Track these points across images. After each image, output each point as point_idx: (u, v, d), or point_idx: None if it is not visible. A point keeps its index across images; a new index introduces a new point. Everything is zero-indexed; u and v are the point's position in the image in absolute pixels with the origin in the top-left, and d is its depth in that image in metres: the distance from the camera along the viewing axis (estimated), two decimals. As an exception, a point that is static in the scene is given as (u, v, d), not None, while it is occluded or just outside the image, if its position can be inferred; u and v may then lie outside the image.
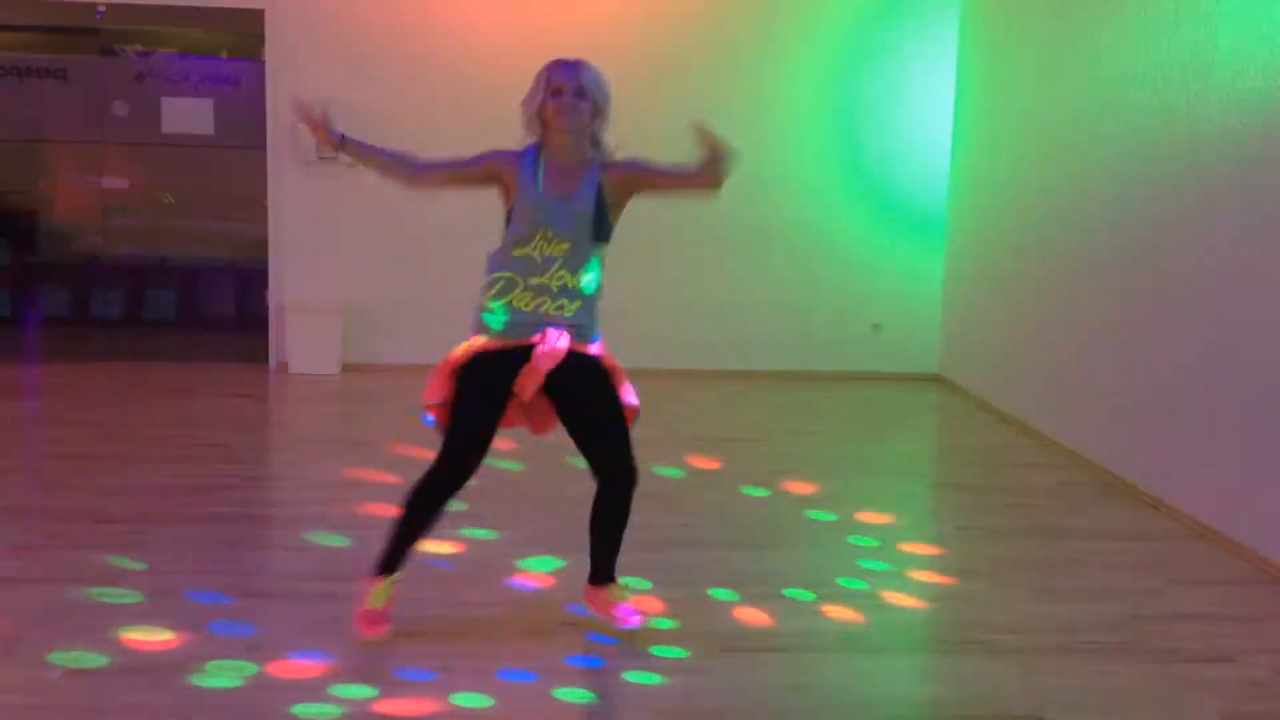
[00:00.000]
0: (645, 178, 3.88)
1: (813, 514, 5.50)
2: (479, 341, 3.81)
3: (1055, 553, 5.06)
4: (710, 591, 4.45)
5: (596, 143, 3.87)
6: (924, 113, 8.81)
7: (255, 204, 8.80)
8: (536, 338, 3.76)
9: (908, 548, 5.11)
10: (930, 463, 7.05)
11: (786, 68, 8.69)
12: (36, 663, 3.66)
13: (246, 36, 9.86)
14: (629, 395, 3.89)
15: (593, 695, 3.63)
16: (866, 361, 8.94)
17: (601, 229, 3.80)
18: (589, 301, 3.83)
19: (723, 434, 7.15)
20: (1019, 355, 7.52)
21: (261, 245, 8.76)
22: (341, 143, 3.94)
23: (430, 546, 4.88)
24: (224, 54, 10.75)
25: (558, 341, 3.74)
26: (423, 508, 3.86)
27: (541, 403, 3.90)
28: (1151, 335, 5.89)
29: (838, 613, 4.31)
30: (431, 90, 8.50)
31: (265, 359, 8.73)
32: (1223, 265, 5.30)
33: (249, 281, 10.45)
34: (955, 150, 8.77)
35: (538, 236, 3.74)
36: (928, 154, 8.84)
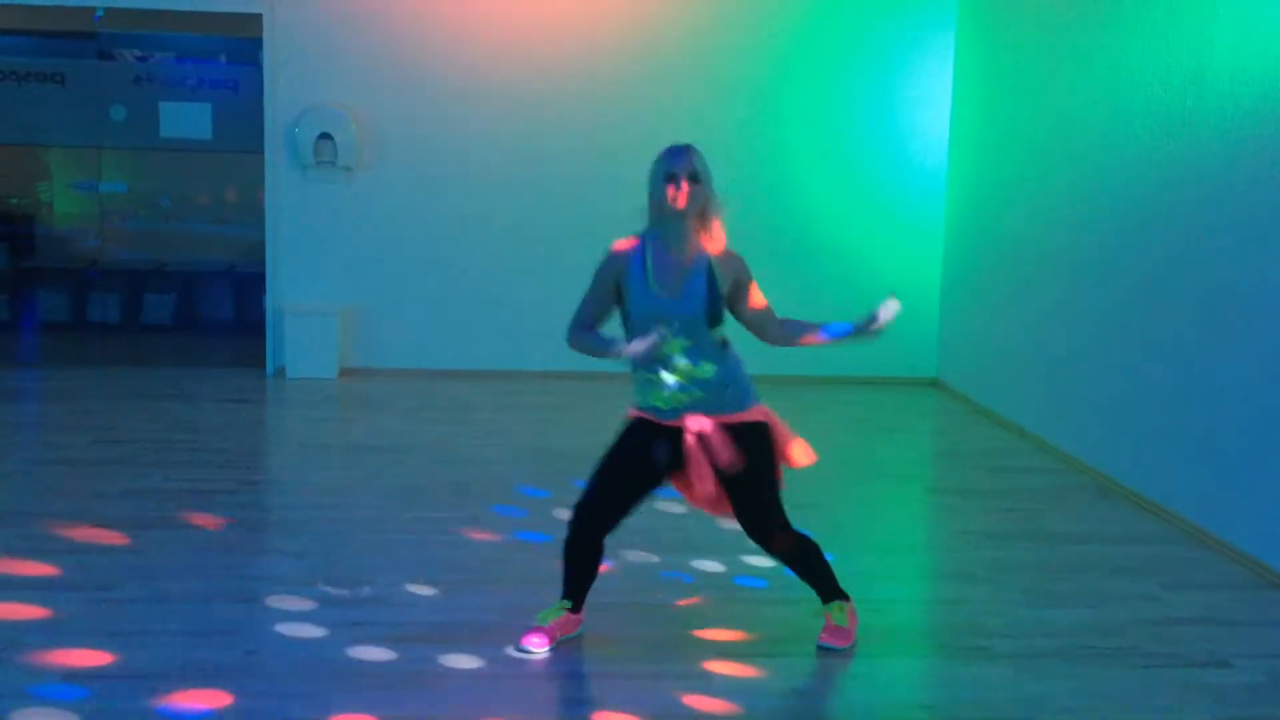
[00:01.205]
0: (743, 293, 3.92)
1: (809, 518, 5.49)
2: (636, 412, 3.92)
3: (1052, 557, 5.07)
4: (707, 596, 4.45)
5: (709, 229, 3.88)
6: (921, 118, 8.82)
7: (253, 208, 8.80)
8: (678, 422, 3.81)
9: (904, 552, 5.12)
10: (927, 467, 7.06)
11: (782, 72, 8.69)
12: (35, 668, 3.66)
13: (245, 41, 9.85)
14: (793, 452, 3.98)
15: (591, 699, 3.63)
16: (864, 366, 8.93)
17: (714, 315, 3.83)
18: (720, 380, 3.83)
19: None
20: (1016, 360, 7.53)
21: (259, 250, 8.76)
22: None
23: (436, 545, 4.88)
24: (222, 58, 10.74)
25: (700, 430, 3.79)
26: (580, 553, 3.98)
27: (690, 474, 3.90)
28: (1149, 340, 5.90)
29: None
30: (430, 94, 8.51)
31: (263, 363, 8.73)
32: (1220, 269, 5.30)
33: (247, 286, 10.45)
34: (952, 155, 8.78)
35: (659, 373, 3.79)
36: (925, 159, 8.85)
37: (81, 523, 5.06)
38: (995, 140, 8.03)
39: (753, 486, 3.90)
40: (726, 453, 3.78)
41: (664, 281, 3.80)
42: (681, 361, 3.78)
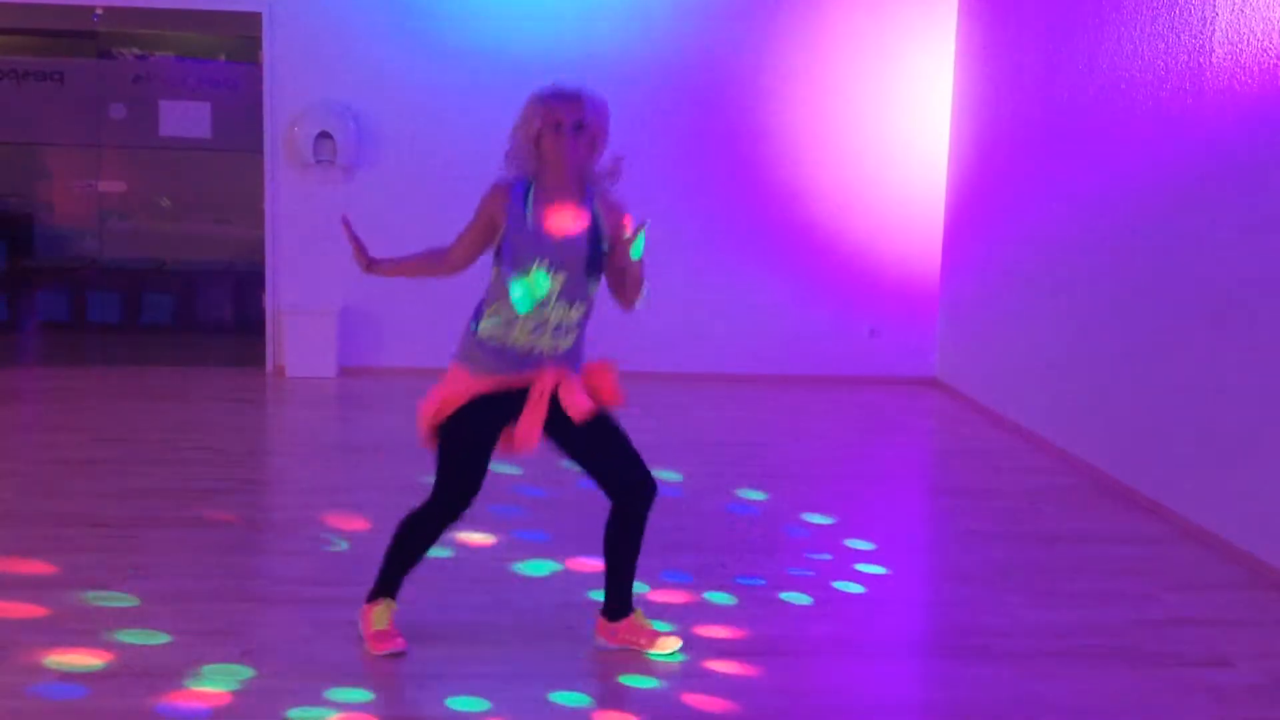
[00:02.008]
0: (617, 240, 3.75)
1: (809, 517, 5.50)
2: (471, 382, 3.74)
3: (1052, 557, 5.06)
4: (706, 595, 4.45)
5: (590, 176, 3.75)
6: (921, 116, 8.81)
7: (252, 207, 8.80)
8: (535, 375, 3.72)
9: (904, 552, 5.11)
10: (927, 467, 7.05)
11: (781, 69, 8.69)
12: (33, 668, 3.65)
13: (244, 39, 9.85)
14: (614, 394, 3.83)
15: (588, 698, 3.62)
16: (864, 365, 8.94)
17: (594, 263, 3.72)
18: (582, 334, 3.80)
19: (719, 438, 7.15)
20: (1016, 359, 7.52)
21: (259, 249, 8.76)
22: (370, 266, 3.93)
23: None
24: (222, 57, 10.74)
25: (562, 381, 3.71)
26: (417, 540, 3.89)
27: (523, 426, 3.80)
28: (1149, 339, 5.89)
29: (834, 617, 4.31)
30: (430, 92, 8.50)
31: (262, 363, 8.72)
32: (1220, 266, 5.30)
33: (246, 285, 10.45)
34: (952, 153, 8.78)
35: (532, 267, 3.63)
36: (924, 157, 8.84)
37: (80, 521, 5.06)
38: (995, 139, 8.02)
39: (617, 435, 3.80)
40: (582, 408, 3.69)
41: (544, 216, 3.67)
42: (557, 302, 3.65)
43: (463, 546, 4.95)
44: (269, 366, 8.67)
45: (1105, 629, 4.26)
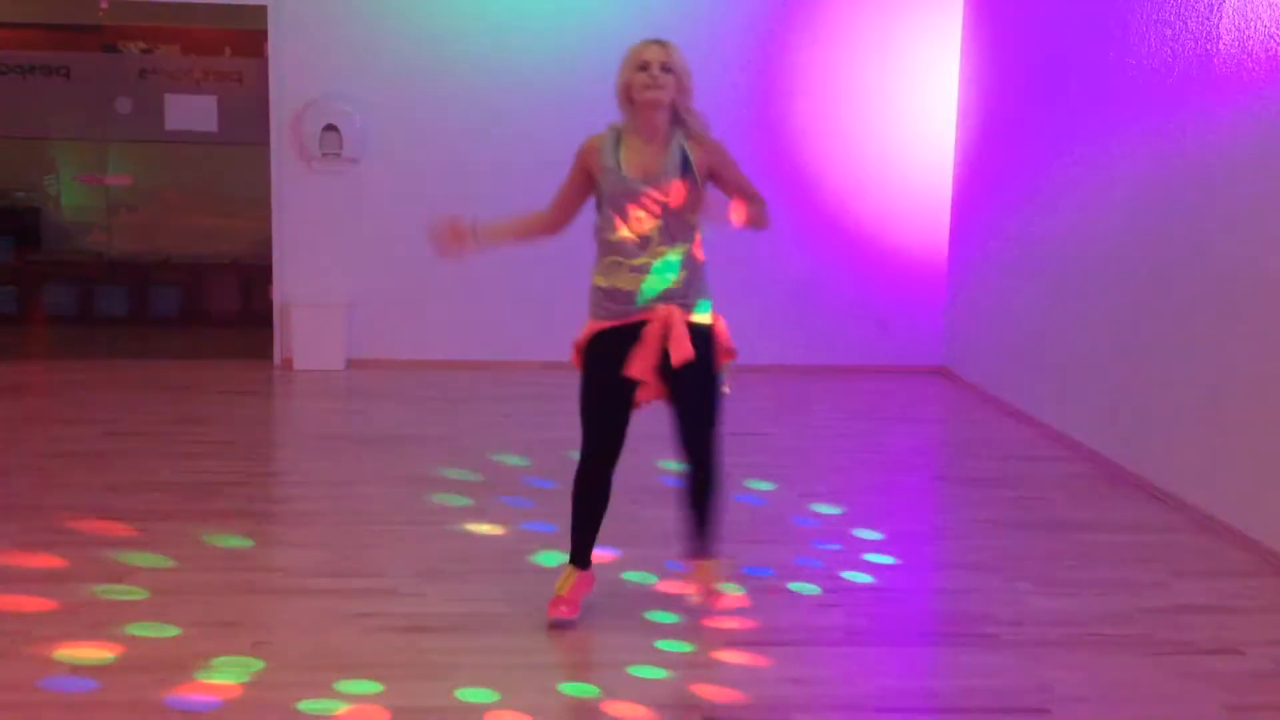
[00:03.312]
0: (722, 174, 3.92)
1: (817, 507, 5.50)
2: (593, 325, 3.91)
3: (1061, 545, 5.06)
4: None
5: (682, 119, 3.88)
6: (928, 103, 8.78)
7: (259, 200, 8.80)
8: (647, 314, 3.84)
9: (913, 541, 5.11)
10: (935, 455, 7.05)
11: (789, 58, 8.67)
12: (43, 661, 3.67)
13: (250, 33, 9.85)
14: (725, 348, 4.04)
15: (597, 689, 3.63)
16: (871, 354, 8.92)
17: (691, 199, 3.82)
18: (692, 271, 3.89)
19: (727, 428, 7.12)
20: (1024, 347, 7.51)
21: (265, 241, 8.76)
22: (476, 238, 3.99)
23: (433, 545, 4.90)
24: (227, 51, 10.74)
25: (672, 323, 3.83)
26: (584, 494, 4.01)
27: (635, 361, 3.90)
28: (1157, 327, 5.88)
29: (842, 606, 4.31)
30: (436, 84, 8.49)
31: (270, 355, 8.73)
32: (1229, 256, 5.29)
33: (253, 278, 10.46)
34: (959, 142, 8.75)
35: (630, 217, 3.80)
36: (932, 145, 8.81)
37: (89, 515, 5.07)
38: (1003, 127, 8.00)
39: (702, 385, 3.93)
40: (684, 345, 3.81)
41: (637, 166, 3.82)
42: (658, 246, 3.81)
43: (472, 537, 4.95)
44: (276, 359, 8.68)
45: (1114, 617, 4.25)
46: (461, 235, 3.97)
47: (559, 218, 4.02)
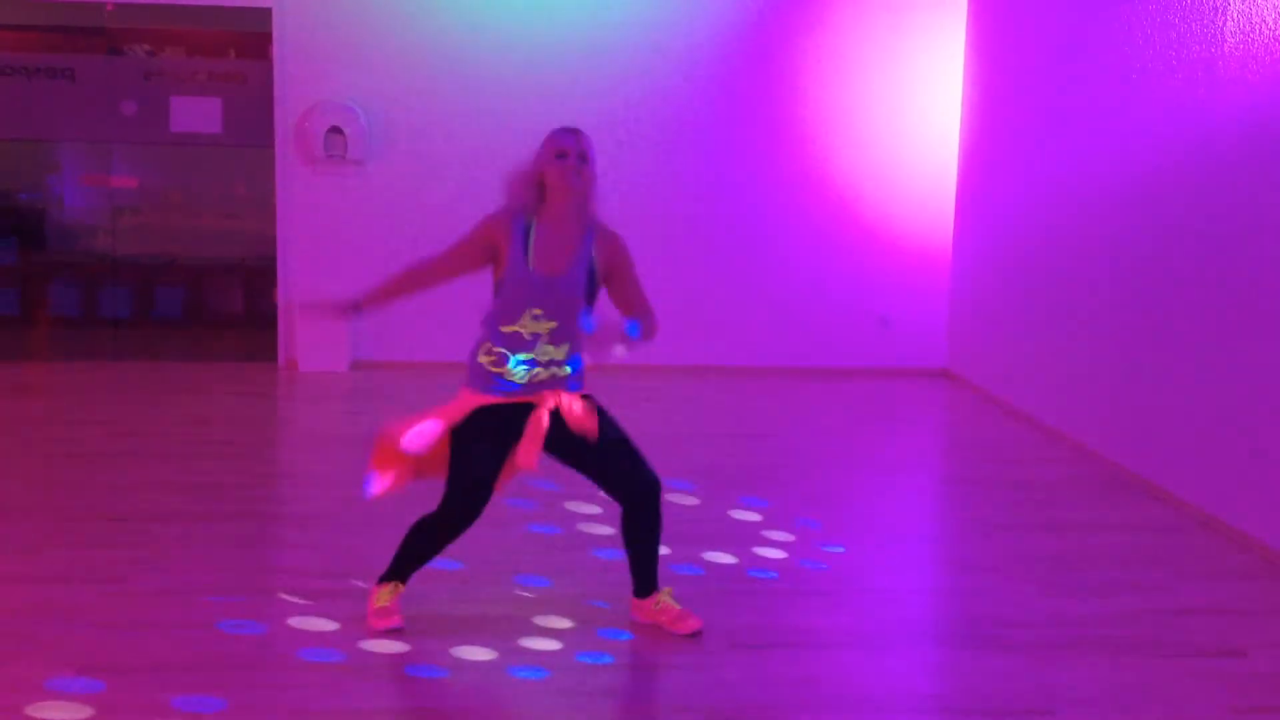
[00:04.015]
0: (622, 274, 3.90)
1: (821, 509, 5.50)
2: (475, 399, 3.85)
3: (1065, 547, 5.06)
4: (718, 587, 4.45)
5: (590, 209, 3.87)
6: (931, 105, 8.79)
7: (264, 202, 8.81)
8: (533, 397, 3.81)
9: (916, 542, 5.11)
10: (939, 457, 7.05)
11: (792, 61, 8.67)
12: (50, 662, 3.67)
13: (254, 35, 9.86)
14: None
15: (600, 691, 3.63)
16: (874, 356, 8.93)
17: (591, 298, 3.84)
18: (577, 357, 3.89)
19: (730, 430, 7.15)
20: (1027, 349, 7.51)
21: (270, 243, 8.77)
22: (358, 309, 4.03)
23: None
24: (232, 53, 10.75)
25: (560, 404, 3.81)
26: (429, 543, 3.97)
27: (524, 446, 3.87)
28: (1159, 327, 5.88)
29: (846, 607, 4.31)
30: (440, 86, 8.50)
31: (274, 357, 8.74)
32: (1231, 256, 5.29)
33: (258, 280, 10.46)
34: (963, 142, 8.76)
35: (525, 316, 3.77)
36: (935, 147, 8.82)
37: (93, 515, 5.08)
38: (1006, 128, 8.00)
39: (612, 433, 3.88)
40: (585, 420, 3.79)
41: (544, 259, 3.79)
42: (546, 345, 3.78)
43: (475, 539, 4.95)
44: (281, 361, 8.69)
45: (1118, 619, 4.25)
46: (342, 311, 4.02)
47: (446, 276, 3.95)
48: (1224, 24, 5.40)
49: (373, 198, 8.56)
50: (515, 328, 3.78)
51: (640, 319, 3.80)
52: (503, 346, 3.80)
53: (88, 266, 10.87)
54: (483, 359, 3.85)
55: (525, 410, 3.82)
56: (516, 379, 3.80)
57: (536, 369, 3.80)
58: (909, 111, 8.78)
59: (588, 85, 8.44)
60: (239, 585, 4.37)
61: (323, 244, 8.59)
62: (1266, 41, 5.06)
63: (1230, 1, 5.35)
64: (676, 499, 5.39)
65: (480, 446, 3.83)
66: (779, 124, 8.69)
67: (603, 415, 3.89)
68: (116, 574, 4.40)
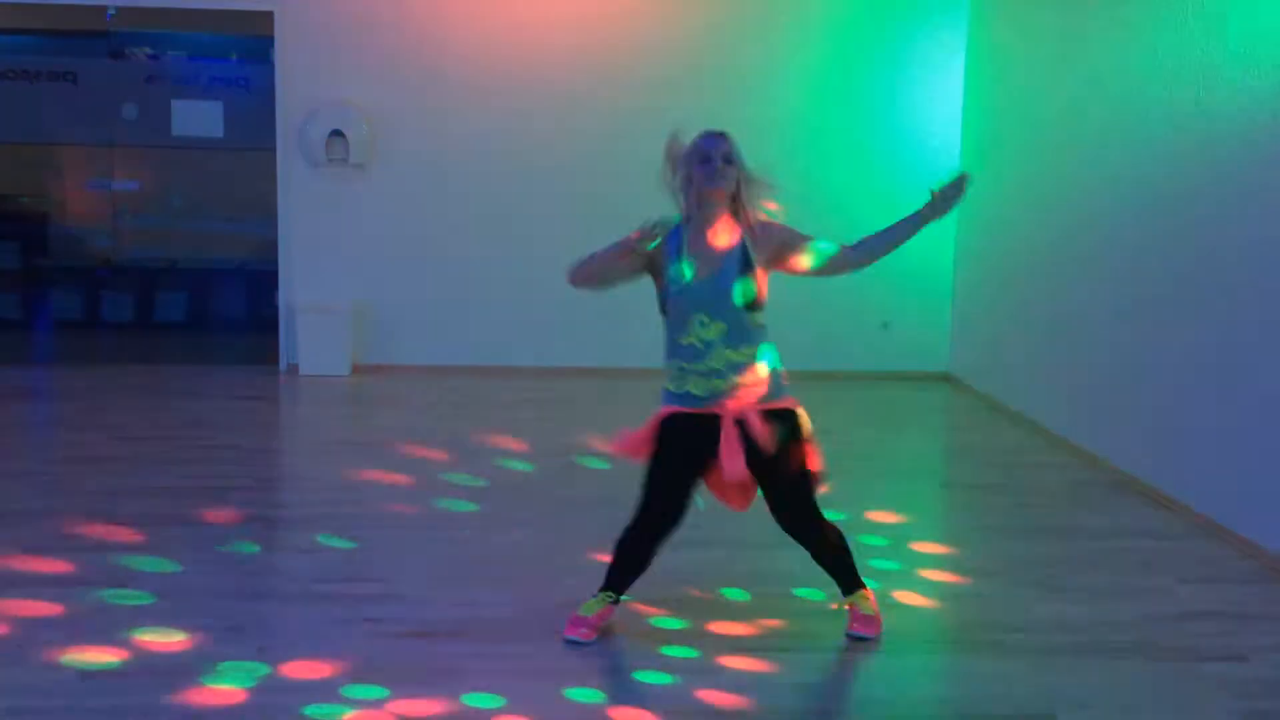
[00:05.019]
0: (792, 256, 3.98)
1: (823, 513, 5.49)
2: (666, 410, 3.91)
3: (1067, 552, 5.05)
4: (721, 591, 4.45)
5: (744, 209, 3.89)
6: (932, 109, 8.78)
7: (265, 206, 8.82)
8: (718, 409, 3.83)
9: (918, 547, 5.11)
10: (941, 462, 7.04)
11: (792, 64, 8.67)
12: (51, 664, 3.67)
13: (256, 39, 9.87)
14: (814, 458, 3.96)
15: (602, 694, 3.63)
16: (876, 361, 8.92)
17: (748, 298, 3.83)
18: (758, 362, 3.87)
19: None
20: (1029, 354, 7.50)
21: (271, 247, 8.78)
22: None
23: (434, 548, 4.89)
24: (233, 56, 10.77)
25: (739, 414, 3.83)
26: (633, 555, 4.01)
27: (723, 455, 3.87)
28: (1162, 333, 5.88)
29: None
30: (442, 90, 8.50)
31: (276, 361, 8.74)
32: (1234, 262, 5.28)
33: (259, 283, 10.47)
34: (964, 147, 8.75)
35: (693, 323, 3.79)
36: (936, 151, 8.80)
37: (96, 519, 5.07)
38: (1007, 133, 8.00)
39: (789, 472, 3.90)
40: (765, 437, 3.80)
41: (697, 266, 3.81)
42: (722, 350, 3.79)
43: (478, 542, 4.95)
44: (282, 364, 8.69)
45: (1119, 624, 4.25)
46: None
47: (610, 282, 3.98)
48: (1226, 25, 5.39)
49: (374, 201, 8.56)
50: (689, 338, 3.81)
51: (873, 238, 4.25)
52: (680, 359, 3.84)
53: (89, 270, 10.88)
54: (668, 385, 3.90)
55: (712, 421, 3.83)
56: (697, 391, 3.82)
57: (715, 379, 3.81)
58: (910, 113, 8.78)
59: (593, 91, 8.44)
60: (240, 589, 4.37)
61: (325, 248, 8.59)
62: (1268, 46, 5.06)
63: (1233, 6, 5.35)
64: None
65: (668, 454, 3.89)
66: (779, 125, 8.68)
67: (787, 442, 3.88)
68: (117, 579, 4.39)
